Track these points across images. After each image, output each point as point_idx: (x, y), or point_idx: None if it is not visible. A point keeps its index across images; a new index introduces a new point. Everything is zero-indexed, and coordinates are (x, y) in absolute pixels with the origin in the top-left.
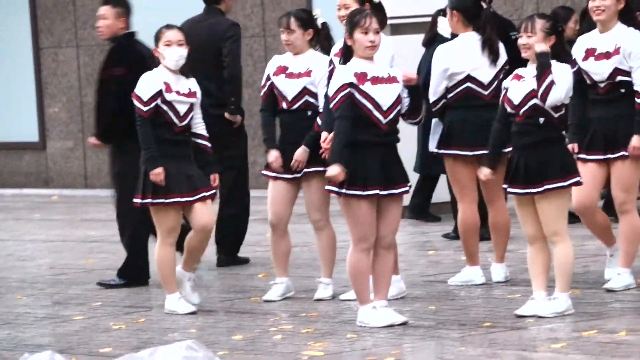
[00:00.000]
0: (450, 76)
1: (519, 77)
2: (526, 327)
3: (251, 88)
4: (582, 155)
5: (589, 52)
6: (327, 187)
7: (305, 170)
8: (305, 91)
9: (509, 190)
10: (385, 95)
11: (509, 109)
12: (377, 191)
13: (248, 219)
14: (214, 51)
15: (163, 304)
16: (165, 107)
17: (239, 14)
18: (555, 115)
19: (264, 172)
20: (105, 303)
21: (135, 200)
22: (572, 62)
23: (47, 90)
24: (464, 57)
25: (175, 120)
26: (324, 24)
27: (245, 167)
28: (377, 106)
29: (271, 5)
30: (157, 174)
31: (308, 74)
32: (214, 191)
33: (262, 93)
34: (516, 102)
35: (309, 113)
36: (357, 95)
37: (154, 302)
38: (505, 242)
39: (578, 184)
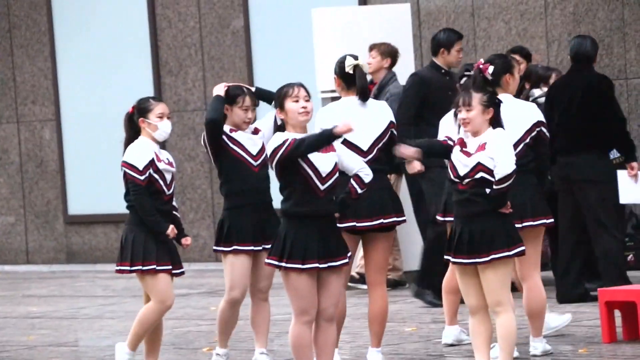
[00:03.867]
0: None
1: (463, 145)
2: None
3: (193, 161)
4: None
5: None
6: (267, 260)
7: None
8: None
9: (453, 260)
10: (323, 161)
11: (451, 176)
12: (316, 264)
13: None
14: None
15: None
16: (156, 176)
17: (181, 88)
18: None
19: (218, 248)
20: None
21: (122, 267)
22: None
23: None
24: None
25: (165, 188)
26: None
27: None
28: (316, 171)
29: (212, 80)
30: (171, 231)
31: None
32: (182, 270)
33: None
34: (461, 173)
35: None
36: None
37: None
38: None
39: (522, 253)
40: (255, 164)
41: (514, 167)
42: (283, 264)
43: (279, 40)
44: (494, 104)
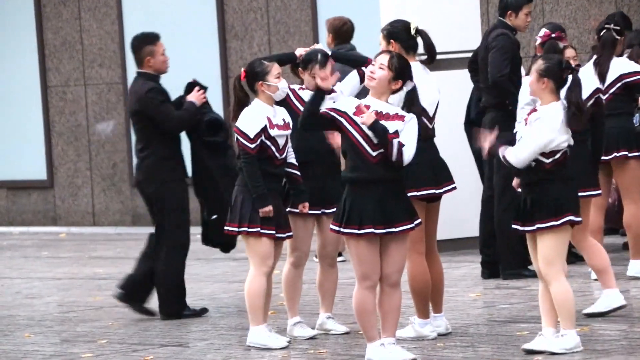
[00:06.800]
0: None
1: (526, 121)
2: None
3: None
4: None
5: None
6: (331, 226)
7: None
8: None
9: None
10: None
11: None
12: (371, 229)
13: None
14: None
15: (167, 342)
16: (268, 143)
17: (246, 52)
18: (547, 161)
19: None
20: (113, 340)
21: (230, 228)
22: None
23: (55, 128)
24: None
25: (277, 154)
26: None
27: None
28: (366, 138)
29: (278, 44)
30: (268, 211)
31: None
32: (290, 234)
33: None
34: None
35: None
36: (346, 124)
37: (161, 339)
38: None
39: (572, 222)
40: None
41: (523, 159)
42: (342, 229)
43: (345, 4)
44: (549, 75)
